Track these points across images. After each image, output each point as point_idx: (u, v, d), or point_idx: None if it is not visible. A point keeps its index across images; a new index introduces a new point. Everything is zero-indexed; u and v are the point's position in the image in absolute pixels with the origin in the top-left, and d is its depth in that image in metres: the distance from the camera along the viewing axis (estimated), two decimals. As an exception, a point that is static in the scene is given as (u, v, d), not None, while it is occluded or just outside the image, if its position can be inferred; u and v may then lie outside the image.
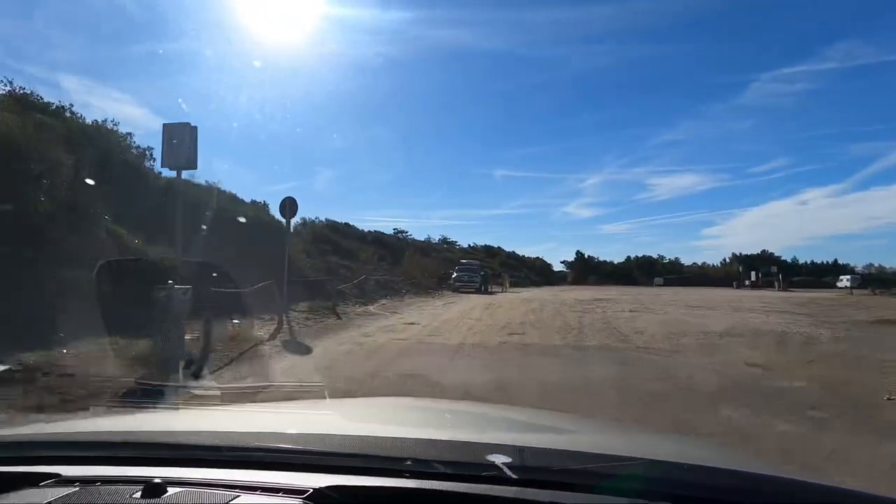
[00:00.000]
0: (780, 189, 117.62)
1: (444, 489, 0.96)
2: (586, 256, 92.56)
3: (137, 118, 43.85)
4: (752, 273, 49.90)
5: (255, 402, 4.25)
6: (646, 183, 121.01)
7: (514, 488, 0.94)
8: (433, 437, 1.27)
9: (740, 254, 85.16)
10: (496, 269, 47.90)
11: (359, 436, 1.25)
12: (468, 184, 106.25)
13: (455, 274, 31.91)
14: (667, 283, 69.59)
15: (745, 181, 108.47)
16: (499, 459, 0.99)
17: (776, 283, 43.72)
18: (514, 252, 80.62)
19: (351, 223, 48.32)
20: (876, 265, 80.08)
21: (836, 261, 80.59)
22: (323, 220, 44.37)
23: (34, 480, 1.06)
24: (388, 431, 1.42)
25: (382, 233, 53.00)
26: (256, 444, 1.16)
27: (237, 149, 48.39)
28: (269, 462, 1.09)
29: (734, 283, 51.40)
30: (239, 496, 0.96)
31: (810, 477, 1.15)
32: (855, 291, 37.57)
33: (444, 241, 70.51)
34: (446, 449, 1.13)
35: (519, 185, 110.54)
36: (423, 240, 62.59)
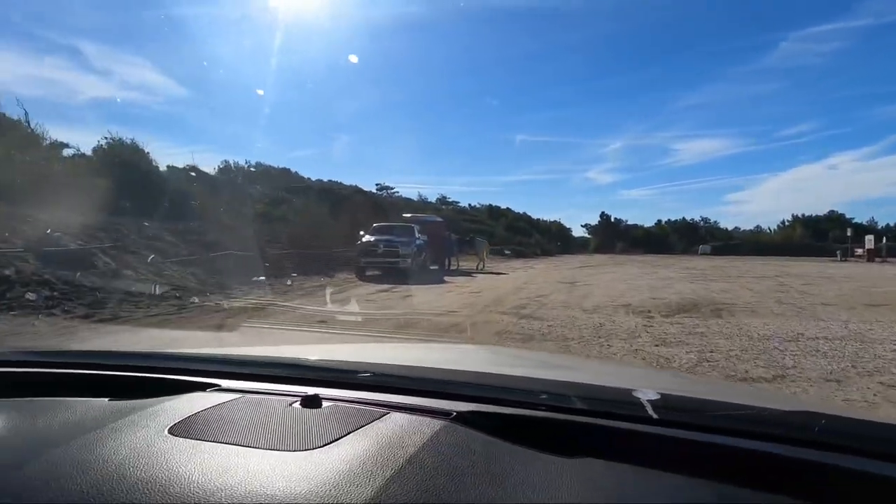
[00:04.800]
0: (809, 153, 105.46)
1: (584, 422, 0.92)
2: (612, 220, 76.55)
3: (158, 85, 41.74)
4: (869, 240, 33.39)
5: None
6: (669, 147, 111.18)
7: (657, 427, 0.88)
8: (572, 380, 1.20)
9: (802, 215, 68.75)
10: (468, 232, 29.30)
11: (499, 374, 1.28)
12: (488, 149, 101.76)
13: (364, 239, 14.79)
14: (715, 252, 54.06)
15: (772, 145, 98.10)
16: (645, 396, 0.93)
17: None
18: (524, 214, 65.15)
19: (296, 171, 35.89)
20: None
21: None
22: (252, 163, 32.99)
23: (198, 388, 1.11)
24: (525, 372, 1.43)
25: (340, 183, 38.89)
26: (403, 372, 1.20)
27: (253, 115, 45.76)
28: (412, 389, 1.08)
29: (838, 254, 34.94)
30: (389, 413, 0.96)
31: None
32: None
33: (443, 200, 55.72)
34: (586, 388, 1.09)
35: (539, 150, 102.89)
36: (414, 199, 48.25)
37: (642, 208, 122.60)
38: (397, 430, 0.89)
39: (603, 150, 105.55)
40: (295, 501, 0.65)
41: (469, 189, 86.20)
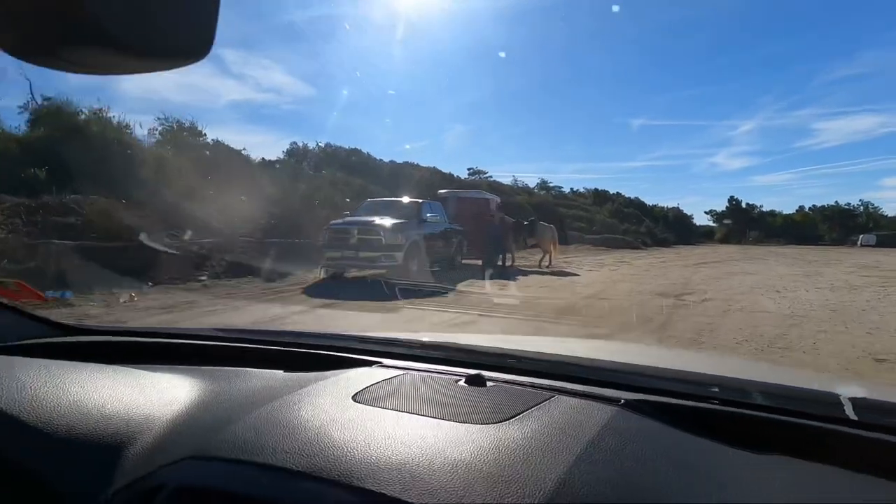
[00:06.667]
0: None
1: (771, 418, 0.83)
2: (744, 205, 64.24)
3: (286, 85, 45.79)
4: None
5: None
6: (810, 127, 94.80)
7: (858, 430, 0.78)
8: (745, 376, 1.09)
9: None
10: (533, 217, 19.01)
11: (667, 367, 1.13)
12: (603, 135, 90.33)
13: (331, 224, 9.65)
14: (883, 244, 42.02)
15: (951, 117, 78.70)
16: (848, 393, 0.83)
17: None
18: (636, 199, 56.46)
19: (368, 152, 32.65)
20: None
21: None
22: (322, 144, 30.09)
23: (363, 364, 1.13)
24: (694, 367, 1.20)
25: (416, 165, 34.72)
26: (565, 359, 1.14)
27: (370, 109, 48.93)
28: (574, 376, 1.03)
29: None
30: (555, 396, 0.92)
31: None
32: None
33: (543, 185, 49.22)
34: (772, 386, 0.95)
35: (659, 134, 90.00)
36: (505, 183, 42.71)
37: (778, 195, 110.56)
38: (570, 412, 0.86)
39: (732, 132, 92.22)
40: (489, 470, 0.65)
41: (582, 176, 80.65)
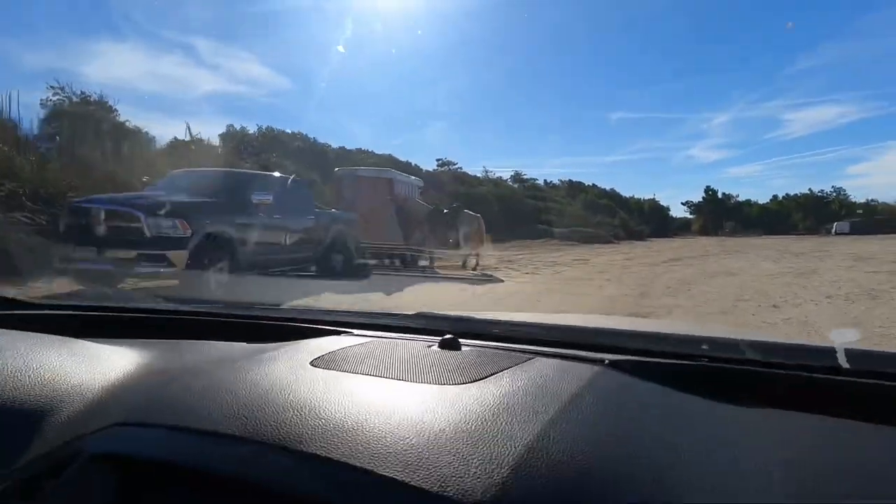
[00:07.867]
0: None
1: (762, 371, 0.79)
2: (720, 195, 62.35)
3: (262, 77, 45.63)
4: None
5: None
6: (780, 118, 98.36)
7: (848, 379, 0.75)
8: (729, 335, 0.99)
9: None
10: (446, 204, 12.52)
11: (653, 331, 1.07)
12: (583, 129, 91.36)
13: (73, 204, 5.78)
14: (857, 231, 40.35)
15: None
16: (841, 339, 0.80)
17: None
18: (611, 190, 53.91)
19: (313, 137, 29.99)
20: None
21: None
22: (263, 128, 27.54)
23: (329, 334, 1.07)
24: (682, 329, 1.22)
25: (370, 152, 31.88)
26: (545, 320, 1.11)
27: (348, 104, 49.72)
28: (556, 340, 0.96)
29: None
30: (535, 358, 0.86)
31: None
32: None
33: (517, 177, 45.87)
34: (755, 343, 0.89)
35: (636, 127, 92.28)
36: (473, 174, 39.53)
37: (750, 186, 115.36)
38: (550, 372, 0.80)
39: (707, 125, 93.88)
40: (457, 430, 0.61)
41: (561, 170, 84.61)
